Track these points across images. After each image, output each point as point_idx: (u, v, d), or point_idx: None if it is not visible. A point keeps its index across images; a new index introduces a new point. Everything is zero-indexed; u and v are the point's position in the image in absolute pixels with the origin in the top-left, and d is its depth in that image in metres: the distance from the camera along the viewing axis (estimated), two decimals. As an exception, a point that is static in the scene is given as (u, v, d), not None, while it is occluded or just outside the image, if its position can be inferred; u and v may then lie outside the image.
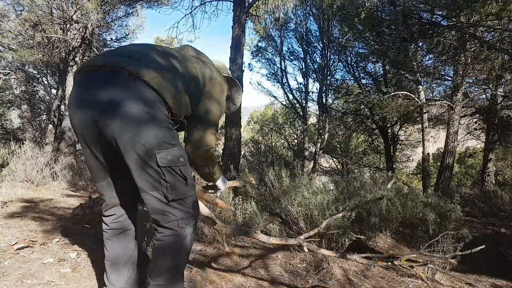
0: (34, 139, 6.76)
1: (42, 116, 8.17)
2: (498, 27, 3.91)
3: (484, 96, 7.26)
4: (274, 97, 10.76)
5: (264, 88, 10.75)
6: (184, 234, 1.09)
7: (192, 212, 1.12)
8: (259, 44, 10.43)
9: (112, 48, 1.08)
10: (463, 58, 5.40)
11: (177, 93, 1.09)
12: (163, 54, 1.14)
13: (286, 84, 10.07)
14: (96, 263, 1.59)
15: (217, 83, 1.31)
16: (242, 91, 1.54)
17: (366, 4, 5.05)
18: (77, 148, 6.32)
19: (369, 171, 9.88)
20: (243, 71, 4.95)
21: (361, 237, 2.12)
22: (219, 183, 1.49)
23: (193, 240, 1.17)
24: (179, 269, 1.14)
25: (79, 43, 5.16)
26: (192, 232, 1.13)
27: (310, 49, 9.50)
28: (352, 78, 8.83)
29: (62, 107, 6.50)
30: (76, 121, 1.05)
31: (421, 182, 6.96)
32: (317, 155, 9.38)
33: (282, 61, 9.96)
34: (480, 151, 9.53)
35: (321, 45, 9.27)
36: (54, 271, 1.41)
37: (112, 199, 1.19)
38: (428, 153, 6.54)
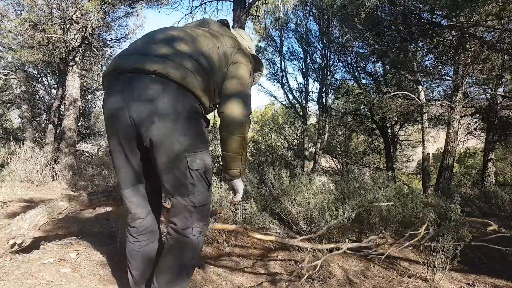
0: (34, 139, 6.76)
1: (42, 116, 8.16)
2: (498, 27, 3.91)
3: (484, 96, 7.26)
4: (274, 97, 10.77)
5: (264, 88, 10.78)
6: (197, 242, 1.09)
7: (206, 220, 1.11)
8: (259, 44, 10.44)
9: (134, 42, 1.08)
10: (463, 58, 5.40)
11: (208, 87, 1.08)
12: (188, 43, 1.09)
13: (286, 84, 10.08)
14: (96, 263, 1.59)
15: (240, 58, 1.21)
16: (263, 67, 1.44)
17: (366, 4, 5.04)
18: (77, 148, 6.31)
19: (369, 171, 9.87)
20: (243, 71, 4.93)
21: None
22: (238, 183, 1.31)
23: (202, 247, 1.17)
24: (187, 276, 1.12)
25: (79, 43, 5.16)
26: (203, 240, 1.13)
27: (310, 49, 9.50)
28: (352, 78, 8.83)
29: (62, 107, 6.50)
30: (114, 121, 1.02)
31: (421, 182, 6.96)
32: (317, 155, 9.38)
33: (282, 61, 9.97)
34: (480, 151, 9.53)
35: (321, 45, 9.27)
36: (54, 271, 1.41)
37: (137, 209, 1.15)
38: (428, 153, 6.55)
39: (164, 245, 1.13)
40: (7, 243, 1.42)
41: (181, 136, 0.98)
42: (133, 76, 1.00)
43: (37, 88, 7.88)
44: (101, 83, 1.03)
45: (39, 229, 1.52)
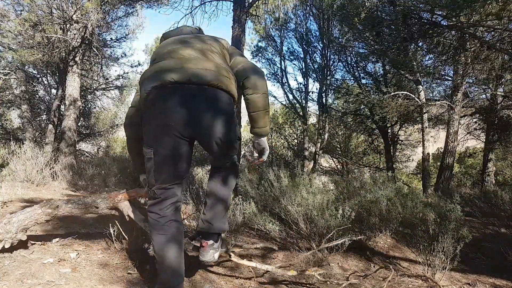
0: (34, 139, 6.76)
1: (42, 116, 8.15)
2: (498, 27, 3.90)
3: (484, 96, 7.26)
4: (274, 97, 10.76)
5: (264, 88, 10.73)
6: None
7: None
8: (259, 44, 10.44)
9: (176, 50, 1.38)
10: (463, 58, 5.39)
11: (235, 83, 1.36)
12: (217, 54, 1.39)
13: (286, 84, 10.07)
14: (96, 263, 1.59)
15: (226, 43, 1.53)
16: None
17: (366, 4, 5.04)
18: (77, 148, 6.31)
19: (369, 171, 9.87)
20: (243, 71, 4.92)
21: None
22: (265, 141, 1.59)
23: None
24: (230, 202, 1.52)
25: (79, 43, 5.16)
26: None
27: (310, 49, 9.49)
28: (352, 78, 8.83)
29: (62, 107, 6.50)
30: (178, 128, 1.22)
31: (421, 182, 6.96)
32: (317, 155, 9.38)
33: (282, 61, 9.96)
34: (480, 151, 9.52)
35: (321, 45, 9.27)
36: (54, 271, 1.41)
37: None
38: (428, 153, 6.54)
39: (219, 179, 1.45)
40: None
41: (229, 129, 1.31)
42: (192, 88, 1.23)
43: (37, 88, 7.88)
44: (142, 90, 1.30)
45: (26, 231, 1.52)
